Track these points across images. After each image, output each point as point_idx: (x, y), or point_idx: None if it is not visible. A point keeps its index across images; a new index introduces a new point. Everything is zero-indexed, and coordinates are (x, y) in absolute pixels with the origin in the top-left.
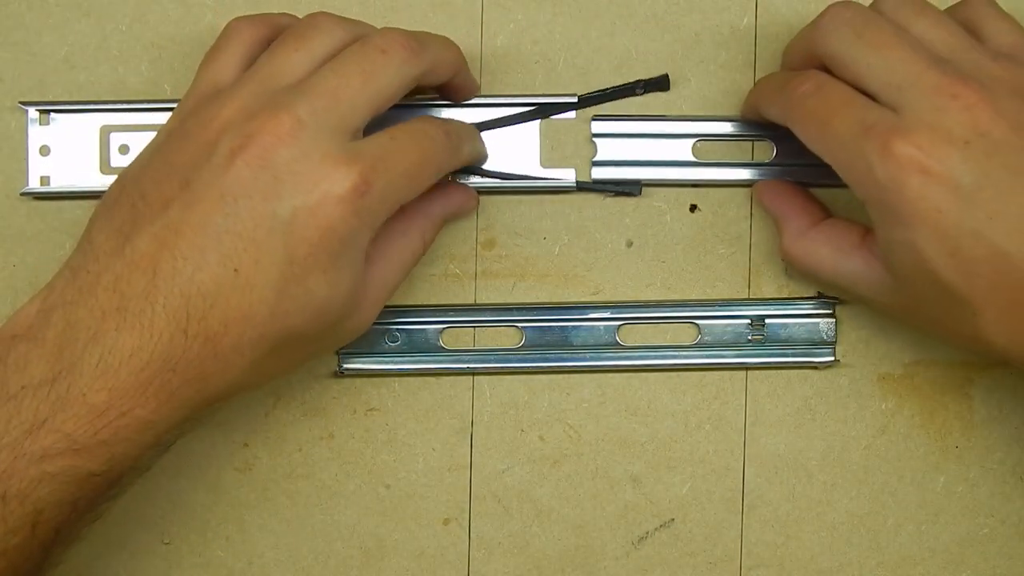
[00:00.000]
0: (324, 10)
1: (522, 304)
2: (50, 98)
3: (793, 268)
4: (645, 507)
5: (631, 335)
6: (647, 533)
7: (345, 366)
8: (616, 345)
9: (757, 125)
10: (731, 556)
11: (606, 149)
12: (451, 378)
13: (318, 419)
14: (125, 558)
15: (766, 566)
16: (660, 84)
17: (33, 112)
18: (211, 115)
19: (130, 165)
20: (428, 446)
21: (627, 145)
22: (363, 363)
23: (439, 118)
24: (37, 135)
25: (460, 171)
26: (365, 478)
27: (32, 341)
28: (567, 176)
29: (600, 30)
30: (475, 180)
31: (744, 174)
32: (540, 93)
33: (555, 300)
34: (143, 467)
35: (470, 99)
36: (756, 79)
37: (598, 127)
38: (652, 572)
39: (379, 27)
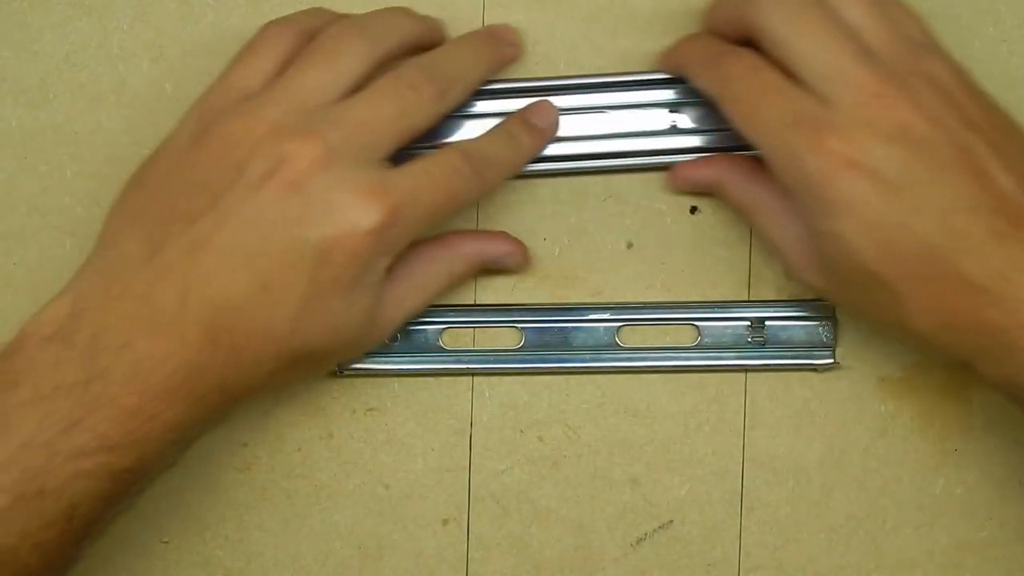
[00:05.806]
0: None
1: (522, 305)
2: (51, 97)
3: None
4: (644, 508)
5: (631, 336)
6: (646, 534)
7: (345, 366)
8: (616, 346)
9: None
10: (729, 558)
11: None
12: (451, 378)
13: (317, 419)
14: (125, 558)
15: (764, 568)
16: None
17: None
18: (242, 129)
19: (150, 166)
20: (427, 446)
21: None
22: (363, 363)
23: (468, 146)
24: None
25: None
26: (364, 478)
27: (63, 344)
28: None
29: (601, 30)
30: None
31: None
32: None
33: (555, 301)
34: (169, 463)
35: None
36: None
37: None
38: (650, 573)
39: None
